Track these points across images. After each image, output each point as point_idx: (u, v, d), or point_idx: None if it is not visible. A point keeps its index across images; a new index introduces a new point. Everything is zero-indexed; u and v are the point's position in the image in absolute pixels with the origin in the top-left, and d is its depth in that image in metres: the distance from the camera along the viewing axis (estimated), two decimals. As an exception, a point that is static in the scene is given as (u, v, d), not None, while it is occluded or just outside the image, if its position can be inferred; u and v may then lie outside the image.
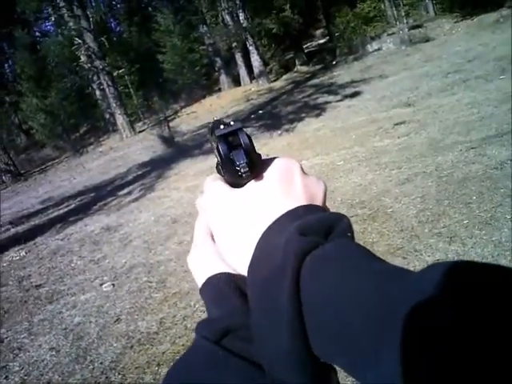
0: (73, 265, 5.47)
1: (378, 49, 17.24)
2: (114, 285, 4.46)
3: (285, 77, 20.02)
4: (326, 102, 11.26)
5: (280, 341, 0.34)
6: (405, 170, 4.97)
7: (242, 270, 0.42)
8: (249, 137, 0.44)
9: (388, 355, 0.26)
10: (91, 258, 5.49)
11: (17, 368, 3.46)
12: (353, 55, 17.78)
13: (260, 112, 13.35)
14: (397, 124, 6.95)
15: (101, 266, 5.12)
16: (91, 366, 3.18)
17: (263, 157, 0.47)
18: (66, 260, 5.74)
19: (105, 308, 4.02)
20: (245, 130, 0.45)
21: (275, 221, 0.40)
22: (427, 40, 15.39)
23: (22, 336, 3.96)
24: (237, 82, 22.45)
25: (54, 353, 3.51)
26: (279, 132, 9.77)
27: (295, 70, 20.54)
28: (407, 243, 3.48)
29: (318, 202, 0.45)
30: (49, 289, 4.90)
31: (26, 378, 3.29)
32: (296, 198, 0.43)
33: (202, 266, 0.47)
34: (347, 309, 0.30)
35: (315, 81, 15.93)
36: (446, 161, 4.80)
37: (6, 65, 30.19)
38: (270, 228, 0.40)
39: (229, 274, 0.44)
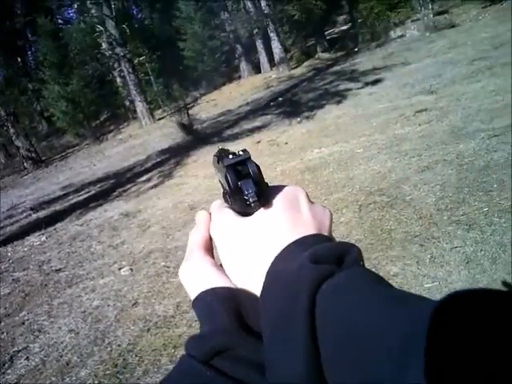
0: (92, 250, 5.54)
1: (402, 35, 16.91)
2: (132, 269, 4.51)
3: (306, 64, 19.83)
4: (347, 90, 11.11)
5: (294, 368, 0.33)
6: (425, 157, 4.89)
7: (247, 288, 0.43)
8: (257, 166, 0.45)
9: None
10: (110, 243, 5.55)
11: (37, 349, 3.54)
12: (375, 42, 17.49)
13: (280, 99, 13.24)
14: (418, 111, 6.83)
15: (119, 251, 5.18)
16: (109, 348, 3.23)
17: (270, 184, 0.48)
18: (85, 245, 5.82)
19: (123, 292, 4.07)
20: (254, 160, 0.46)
21: (285, 248, 0.40)
22: (452, 26, 14.99)
23: (42, 318, 4.04)
24: (257, 69, 22.36)
25: (72, 335, 3.58)
26: (299, 119, 9.68)
27: (316, 56, 20.31)
28: (425, 230, 3.43)
29: (325, 229, 0.45)
30: (68, 273, 4.98)
31: (45, 358, 3.36)
32: (305, 227, 0.44)
33: (196, 279, 0.46)
34: (366, 339, 0.29)
35: (336, 68, 15.74)
36: (468, 149, 4.70)
37: (29, 52, 30.56)
38: (280, 255, 0.40)
39: (225, 288, 0.42)
